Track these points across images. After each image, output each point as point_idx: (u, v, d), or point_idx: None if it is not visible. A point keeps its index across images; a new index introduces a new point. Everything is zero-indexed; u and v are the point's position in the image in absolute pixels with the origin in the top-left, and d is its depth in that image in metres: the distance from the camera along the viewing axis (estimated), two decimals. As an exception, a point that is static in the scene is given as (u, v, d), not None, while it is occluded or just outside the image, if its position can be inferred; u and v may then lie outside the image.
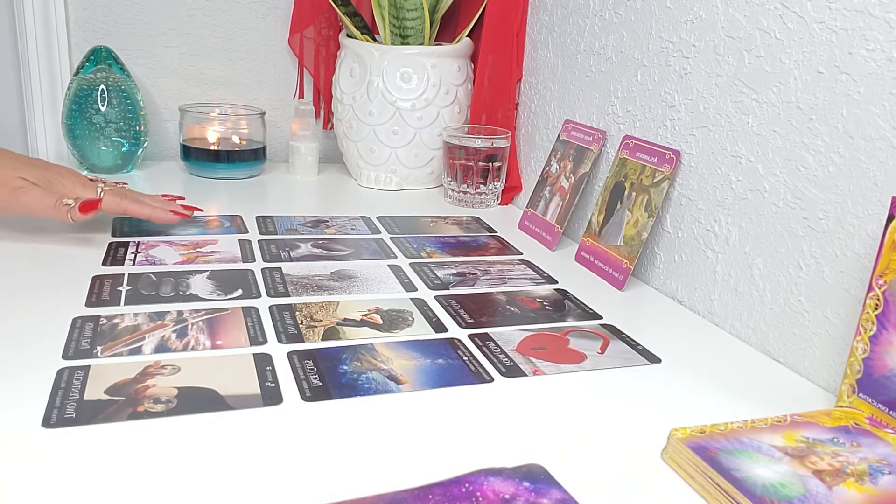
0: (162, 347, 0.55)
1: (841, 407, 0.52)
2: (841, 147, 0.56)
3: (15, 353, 0.52)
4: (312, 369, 0.53)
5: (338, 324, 0.61)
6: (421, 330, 0.62)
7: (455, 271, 0.76)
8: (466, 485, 0.41)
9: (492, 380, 0.54)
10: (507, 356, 0.58)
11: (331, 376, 0.53)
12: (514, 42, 1.02)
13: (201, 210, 0.84)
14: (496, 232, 0.92)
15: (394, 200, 1.03)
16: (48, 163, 0.76)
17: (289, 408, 0.48)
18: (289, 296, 0.66)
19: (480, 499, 0.40)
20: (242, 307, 0.63)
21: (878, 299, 0.50)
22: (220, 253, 0.76)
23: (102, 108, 1.01)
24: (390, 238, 0.85)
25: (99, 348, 0.54)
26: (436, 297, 0.69)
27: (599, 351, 0.60)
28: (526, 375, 0.55)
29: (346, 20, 1.06)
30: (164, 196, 0.84)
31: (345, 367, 0.54)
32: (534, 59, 1.00)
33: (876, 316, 0.50)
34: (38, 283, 0.65)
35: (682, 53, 0.72)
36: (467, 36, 1.08)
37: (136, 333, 0.57)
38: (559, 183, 0.90)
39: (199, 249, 0.76)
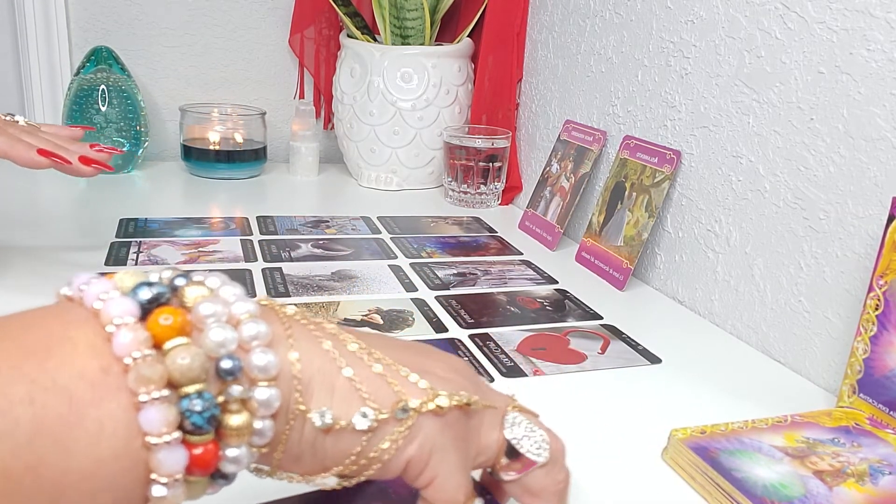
0: (162, 347, 0.55)
1: (841, 407, 0.52)
2: (841, 147, 0.56)
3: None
4: (313, 369, 0.53)
5: (338, 324, 0.61)
6: (421, 330, 0.62)
7: (455, 271, 0.76)
8: (467, 485, 0.41)
9: (492, 380, 0.54)
10: (508, 356, 0.58)
11: (331, 376, 0.53)
12: (514, 42, 1.02)
13: (110, 155, 0.64)
14: (496, 232, 0.92)
15: (394, 200, 1.03)
16: None
17: (289, 408, 0.48)
18: (289, 296, 0.66)
19: (481, 499, 0.40)
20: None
21: (879, 299, 0.50)
22: (222, 252, 0.76)
23: (103, 109, 1.01)
24: (391, 238, 0.85)
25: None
26: (436, 298, 0.69)
27: (600, 351, 0.60)
28: (526, 375, 0.55)
29: (347, 20, 1.06)
30: (93, 146, 0.65)
31: (345, 368, 0.54)
32: (534, 59, 1.00)
33: (876, 316, 0.50)
34: (39, 282, 0.65)
35: (682, 53, 0.72)
36: (468, 36, 1.08)
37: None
38: (559, 183, 0.90)
39: (201, 249, 0.76)
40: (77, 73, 1.03)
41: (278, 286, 0.68)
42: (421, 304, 0.67)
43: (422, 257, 0.80)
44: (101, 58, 1.03)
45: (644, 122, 0.78)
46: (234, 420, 0.24)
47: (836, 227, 0.57)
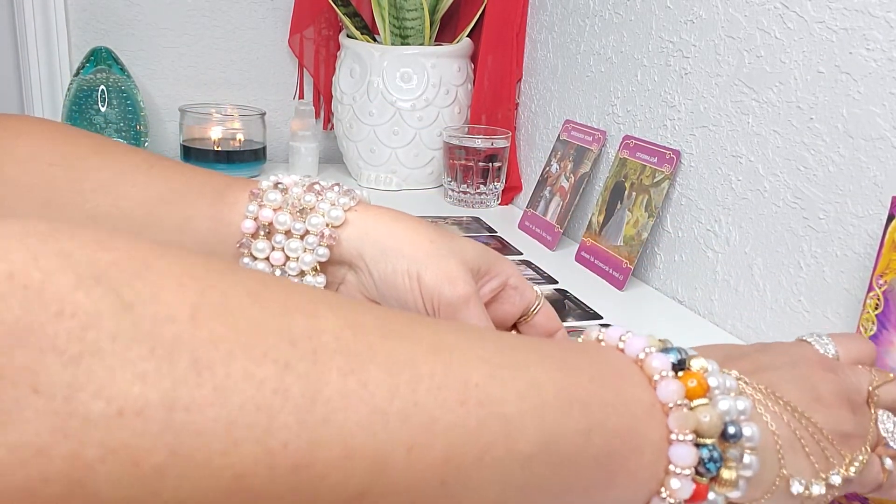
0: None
1: None
2: (841, 147, 0.56)
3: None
4: (312, 370, 0.53)
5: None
6: (421, 330, 0.61)
7: (455, 271, 0.76)
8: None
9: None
10: (508, 356, 0.58)
11: (331, 376, 0.52)
12: (514, 42, 1.02)
13: None
14: (496, 232, 0.92)
15: (394, 201, 1.03)
16: None
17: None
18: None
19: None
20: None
21: (878, 299, 0.50)
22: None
23: (102, 109, 1.01)
24: (390, 238, 0.85)
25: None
26: (436, 298, 0.69)
27: (600, 351, 0.60)
28: (526, 375, 0.55)
29: (346, 20, 1.06)
30: None
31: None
32: (534, 59, 1.00)
33: (876, 316, 0.50)
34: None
35: (682, 53, 0.72)
36: (467, 36, 1.08)
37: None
38: (559, 183, 0.90)
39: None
40: (76, 74, 1.03)
41: (278, 286, 0.68)
42: (421, 304, 0.67)
43: (421, 257, 0.79)
44: (100, 58, 1.03)
45: (643, 122, 0.78)
46: (727, 474, 0.30)
47: (835, 227, 0.57)
